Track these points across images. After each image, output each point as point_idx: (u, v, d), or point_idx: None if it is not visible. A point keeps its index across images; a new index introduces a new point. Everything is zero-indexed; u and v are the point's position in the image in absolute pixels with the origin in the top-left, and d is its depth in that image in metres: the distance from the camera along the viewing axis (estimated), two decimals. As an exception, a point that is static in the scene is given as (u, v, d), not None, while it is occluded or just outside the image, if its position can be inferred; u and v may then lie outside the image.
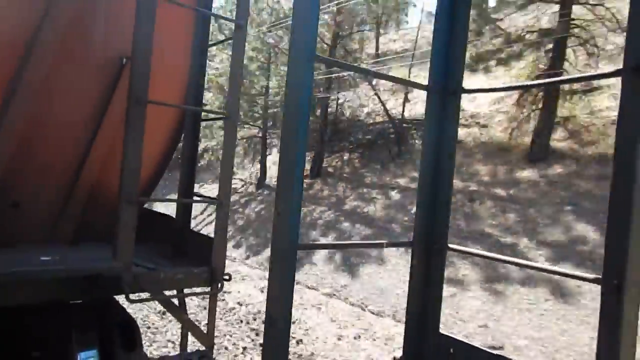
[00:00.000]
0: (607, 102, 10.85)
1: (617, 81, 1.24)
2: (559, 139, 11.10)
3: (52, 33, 2.60)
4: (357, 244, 1.89)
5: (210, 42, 3.31)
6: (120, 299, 2.72)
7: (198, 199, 3.06)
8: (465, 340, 1.54)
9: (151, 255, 2.78)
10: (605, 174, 9.09)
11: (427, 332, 1.63)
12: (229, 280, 2.52)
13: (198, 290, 2.53)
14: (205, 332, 2.51)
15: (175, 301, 2.80)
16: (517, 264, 1.53)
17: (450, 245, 1.66)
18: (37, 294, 2.22)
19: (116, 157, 2.94)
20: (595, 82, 10.84)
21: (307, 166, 15.27)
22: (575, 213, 8.76)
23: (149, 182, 3.25)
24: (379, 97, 14.75)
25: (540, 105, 10.93)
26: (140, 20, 2.44)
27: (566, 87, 10.81)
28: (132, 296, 2.23)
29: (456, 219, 9.85)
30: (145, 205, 3.74)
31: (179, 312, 2.59)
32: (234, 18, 2.81)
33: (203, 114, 3.37)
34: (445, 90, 1.89)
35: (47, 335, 2.42)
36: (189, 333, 2.92)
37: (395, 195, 11.78)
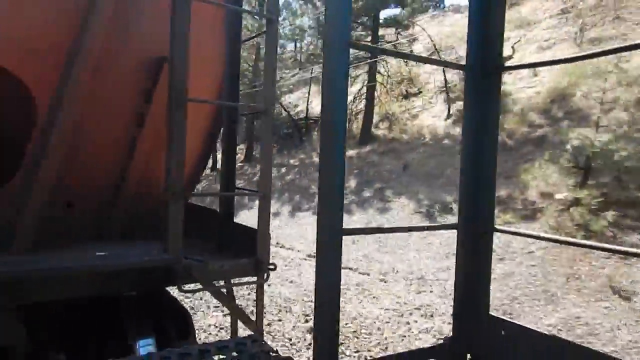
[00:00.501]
0: (420, 102, 16.67)
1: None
2: (383, 128, 16.66)
3: (96, 32, 2.68)
4: (402, 229, 1.88)
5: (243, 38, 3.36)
6: (171, 289, 2.85)
7: (240, 191, 3.13)
8: (518, 322, 1.52)
9: (197, 248, 2.87)
10: (388, 150, 14.77)
11: (476, 314, 1.63)
12: (274, 269, 2.59)
13: (245, 280, 2.61)
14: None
15: (223, 291, 2.89)
16: (572, 244, 1.50)
17: (498, 227, 1.65)
18: (94, 287, 2.34)
19: (160, 154, 3.05)
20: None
21: (242, 153, 20.61)
22: (355, 175, 14.07)
23: (191, 177, 3.36)
24: (280, 104, 20.07)
25: (363, 106, 17.29)
26: (175, 20, 2.51)
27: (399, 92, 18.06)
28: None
29: (296, 184, 15.28)
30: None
31: (229, 301, 2.68)
32: (265, 13, 2.85)
33: (240, 108, 3.43)
34: (484, 69, 1.86)
35: (107, 325, 2.56)
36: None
37: (282, 170, 16.87)
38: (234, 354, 1.51)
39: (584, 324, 5.65)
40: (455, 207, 9.96)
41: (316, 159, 16.44)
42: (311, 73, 20.67)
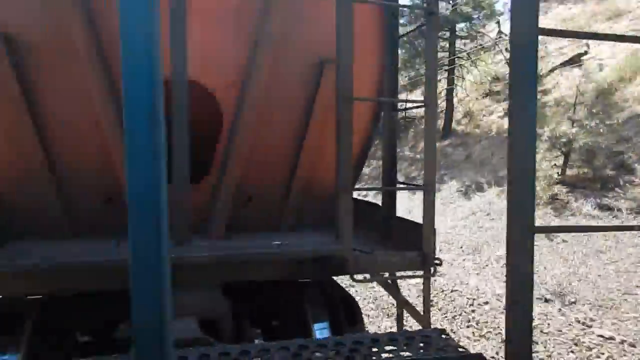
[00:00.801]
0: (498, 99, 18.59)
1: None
2: (463, 124, 19.15)
3: (267, 44, 2.95)
4: (607, 227, 1.67)
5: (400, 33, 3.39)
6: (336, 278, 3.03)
7: (402, 186, 3.17)
8: None
9: (361, 240, 3.00)
10: (461, 143, 17.55)
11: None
12: (440, 264, 2.57)
13: (410, 273, 2.65)
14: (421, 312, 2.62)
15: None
16: None
17: None
18: (273, 273, 2.61)
19: (325, 150, 3.26)
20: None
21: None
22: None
23: (353, 171, 3.50)
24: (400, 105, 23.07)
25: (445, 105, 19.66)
26: (340, 21, 2.64)
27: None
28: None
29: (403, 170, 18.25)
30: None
31: (397, 292, 2.76)
32: (425, 5, 2.82)
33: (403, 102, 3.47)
34: None
35: (285, 309, 2.83)
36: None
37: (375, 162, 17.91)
38: (421, 344, 1.55)
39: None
40: (486, 186, 13.81)
41: (407, 153, 20.04)
42: (408, 78, 22.10)
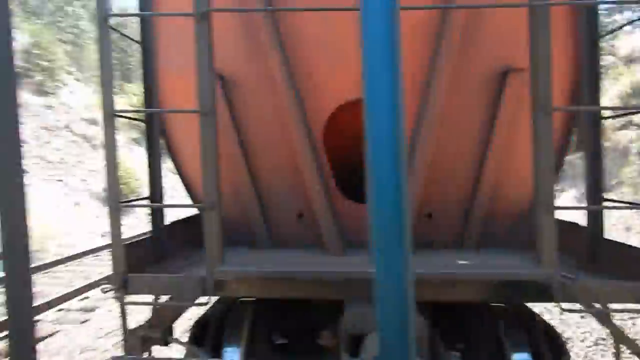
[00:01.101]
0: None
1: None
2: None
3: (446, 61, 2.89)
4: None
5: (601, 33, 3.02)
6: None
7: (613, 205, 2.80)
8: None
9: (562, 265, 2.71)
10: None
11: None
12: (672, 297, 2.17)
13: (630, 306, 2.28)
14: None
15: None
16: None
17: None
18: (468, 295, 2.48)
19: (509, 166, 3.05)
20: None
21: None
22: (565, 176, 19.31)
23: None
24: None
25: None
26: (535, 26, 2.46)
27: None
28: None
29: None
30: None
31: (612, 325, 2.41)
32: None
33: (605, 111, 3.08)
34: None
35: (478, 333, 2.69)
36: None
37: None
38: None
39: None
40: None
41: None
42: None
